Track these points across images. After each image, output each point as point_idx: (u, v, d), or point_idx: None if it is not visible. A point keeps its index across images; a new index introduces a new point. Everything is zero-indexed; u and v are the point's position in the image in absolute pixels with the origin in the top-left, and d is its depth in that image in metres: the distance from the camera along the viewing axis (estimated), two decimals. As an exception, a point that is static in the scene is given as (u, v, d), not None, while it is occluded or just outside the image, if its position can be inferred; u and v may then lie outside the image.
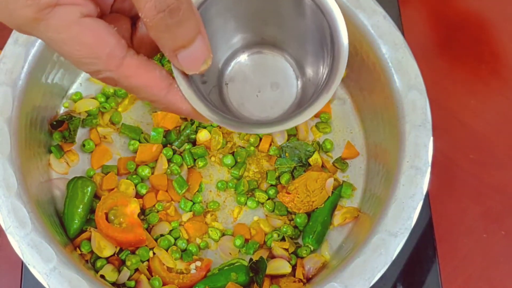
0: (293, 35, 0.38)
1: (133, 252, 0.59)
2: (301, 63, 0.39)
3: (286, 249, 0.60)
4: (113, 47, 0.30)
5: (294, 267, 0.59)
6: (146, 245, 0.59)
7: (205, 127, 0.63)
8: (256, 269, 0.58)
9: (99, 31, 0.29)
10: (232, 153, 0.64)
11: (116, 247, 0.59)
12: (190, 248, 0.60)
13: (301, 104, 0.37)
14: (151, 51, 0.33)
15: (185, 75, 0.32)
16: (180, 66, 0.30)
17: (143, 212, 0.61)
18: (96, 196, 0.61)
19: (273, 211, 0.62)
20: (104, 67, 0.30)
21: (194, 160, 0.63)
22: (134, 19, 0.33)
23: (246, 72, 0.39)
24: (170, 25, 0.28)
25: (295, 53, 0.39)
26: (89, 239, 0.59)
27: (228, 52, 0.39)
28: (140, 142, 0.63)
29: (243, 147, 0.64)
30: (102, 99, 0.65)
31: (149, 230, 0.61)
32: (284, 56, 0.39)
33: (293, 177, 0.63)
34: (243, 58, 0.39)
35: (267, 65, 0.39)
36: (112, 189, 0.61)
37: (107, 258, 0.59)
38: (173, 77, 0.33)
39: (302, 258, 0.60)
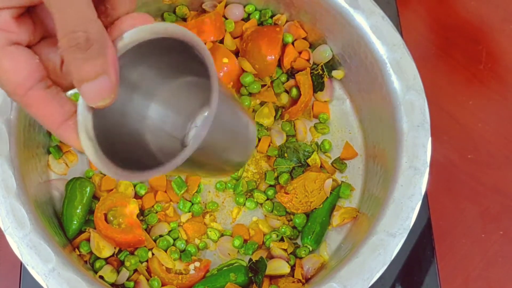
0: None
1: (132, 253, 0.59)
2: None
3: (285, 250, 0.60)
4: (24, 77, 0.33)
5: (293, 268, 0.60)
6: (145, 246, 0.59)
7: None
8: (256, 269, 0.58)
9: (18, 61, 0.34)
10: (231, 154, 0.64)
11: (115, 247, 0.59)
12: (189, 249, 0.60)
13: None
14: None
15: (91, 109, 0.35)
16: (82, 96, 0.34)
17: (142, 212, 0.61)
18: (95, 197, 0.61)
19: (272, 211, 0.62)
20: (12, 92, 0.34)
21: (193, 160, 0.63)
22: None
23: None
24: (77, 59, 0.32)
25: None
26: (88, 240, 0.59)
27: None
28: (139, 142, 0.63)
29: (242, 148, 0.64)
30: (101, 100, 0.65)
31: (148, 230, 0.61)
32: None
33: (291, 178, 0.63)
34: None
35: None
36: (111, 190, 0.61)
37: (106, 259, 0.59)
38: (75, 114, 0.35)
39: (301, 258, 0.60)
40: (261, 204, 0.63)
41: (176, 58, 0.36)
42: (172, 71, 0.38)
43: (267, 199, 0.63)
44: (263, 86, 0.64)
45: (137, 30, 0.34)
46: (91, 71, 0.32)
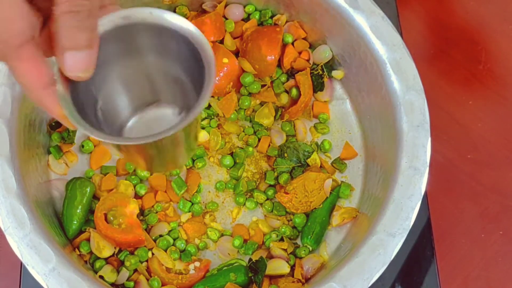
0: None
1: (132, 253, 0.59)
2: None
3: (285, 250, 0.60)
4: (23, 28, 0.32)
5: (292, 268, 0.60)
6: (145, 246, 0.59)
7: (203, 128, 0.64)
8: (256, 269, 0.58)
9: (22, 11, 0.32)
10: (231, 154, 0.64)
11: (115, 247, 0.59)
12: (189, 249, 0.60)
13: None
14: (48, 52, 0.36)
15: (67, 82, 0.34)
16: (62, 64, 0.33)
17: (142, 212, 0.61)
18: (95, 197, 0.61)
19: (272, 211, 0.62)
20: (8, 40, 0.32)
21: (193, 160, 0.63)
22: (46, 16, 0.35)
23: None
24: (72, 26, 0.31)
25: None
26: (88, 240, 0.59)
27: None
28: (139, 142, 0.63)
29: (242, 148, 0.64)
30: (101, 100, 0.65)
31: (148, 230, 0.61)
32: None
33: (291, 178, 0.63)
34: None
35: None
36: (111, 190, 0.61)
37: (106, 259, 0.59)
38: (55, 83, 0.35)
39: (300, 258, 0.60)
40: (261, 204, 0.63)
41: (174, 48, 0.37)
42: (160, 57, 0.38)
43: (267, 199, 0.63)
44: (263, 86, 0.65)
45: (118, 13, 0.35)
46: (82, 41, 0.32)
